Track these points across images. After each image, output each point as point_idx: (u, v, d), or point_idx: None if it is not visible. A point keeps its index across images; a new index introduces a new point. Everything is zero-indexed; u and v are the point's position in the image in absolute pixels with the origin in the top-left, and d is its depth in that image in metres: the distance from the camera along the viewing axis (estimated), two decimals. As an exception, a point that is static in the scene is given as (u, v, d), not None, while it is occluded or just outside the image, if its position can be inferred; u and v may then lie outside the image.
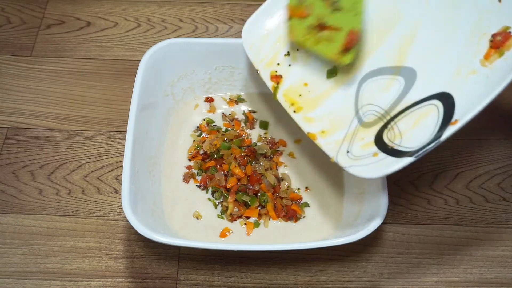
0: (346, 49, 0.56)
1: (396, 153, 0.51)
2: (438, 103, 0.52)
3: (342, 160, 0.53)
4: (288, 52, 0.62)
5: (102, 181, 0.67)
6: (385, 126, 0.54)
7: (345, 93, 0.59)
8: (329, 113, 0.58)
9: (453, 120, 0.49)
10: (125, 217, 0.53)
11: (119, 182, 0.67)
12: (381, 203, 0.55)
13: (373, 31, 0.59)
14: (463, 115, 0.49)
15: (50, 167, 0.68)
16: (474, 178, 0.68)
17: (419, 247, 0.63)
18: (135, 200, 0.56)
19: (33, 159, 0.69)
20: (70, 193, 0.66)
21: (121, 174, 0.57)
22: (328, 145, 0.55)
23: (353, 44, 0.55)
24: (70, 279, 0.60)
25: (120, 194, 0.58)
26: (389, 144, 0.53)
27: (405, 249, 0.63)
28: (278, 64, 0.62)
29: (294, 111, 0.59)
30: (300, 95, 0.60)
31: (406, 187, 0.67)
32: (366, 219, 0.56)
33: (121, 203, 0.54)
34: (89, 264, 0.61)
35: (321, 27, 0.57)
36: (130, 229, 0.63)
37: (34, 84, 0.76)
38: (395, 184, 0.67)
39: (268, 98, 0.72)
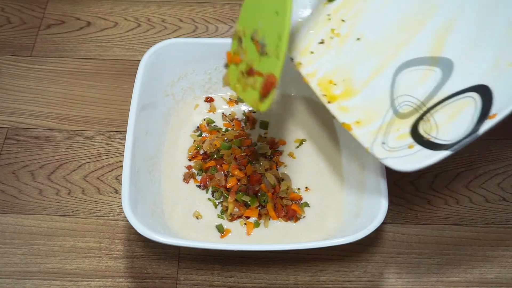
0: (263, 96, 0.53)
1: (432, 145, 0.50)
2: (475, 95, 0.51)
3: (378, 151, 0.52)
4: (322, 39, 0.60)
5: (102, 181, 0.67)
6: (421, 117, 0.53)
7: (381, 83, 0.57)
8: (364, 103, 0.57)
9: (491, 113, 0.49)
10: (125, 217, 0.53)
11: (119, 182, 0.67)
12: (381, 203, 0.55)
13: (409, 19, 0.58)
14: (501, 109, 0.48)
15: (50, 167, 0.68)
16: (474, 178, 0.68)
17: (419, 247, 0.63)
18: (135, 200, 0.56)
19: (33, 159, 0.69)
20: (70, 193, 0.66)
21: (121, 174, 0.57)
22: (363, 136, 0.54)
23: (268, 90, 0.52)
24: (70, 279, 0.60)
25: (120, 194, 0.58)
26: (425, 136, 0.52)
27: (405, 249, 0.63)
28: (312, 52, 0.60)
29: (329, 102, 0.57)
30: (335, 84, 0.58)
31: (406, 187, 0.67)
32: (366, 219, 0.56)
33: (121, 203, 0.54)
34: (89, 264, 0.61)
35: (249, 72, 0.55)
36: (130, 229, 0.63)
37: (34, 84, 0.76)
38: (395, 184, 0.67)
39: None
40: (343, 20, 0.61)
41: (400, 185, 0.67)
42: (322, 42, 0.60)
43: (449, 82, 0.54)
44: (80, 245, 0.62)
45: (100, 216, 0.65)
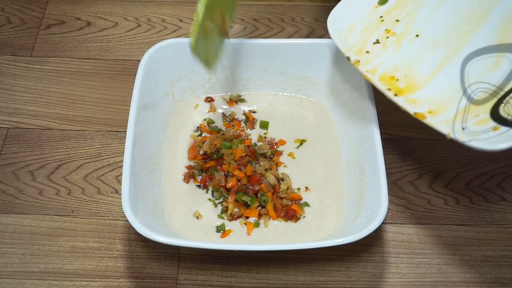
0: None
1: None
2: None
3: (460, 136, 0.52)
4: (377, 40, 0.61)
5: (102, 181, 0.67)
6: (500, 101, 0.54)
7: (448, 75, 0.58)
8: (433, 94, 0.57)
9: None
10: (125, 217, 0.53)
11: (119, 182, 0.67)
12: (381, 203, 0.55)
13: (470, 12, 0.60)
14: None
15: (50, 167, 0.68)
16: (474, 178, 0.68)
17: (419, 247, 0.63)
18: (135, 200, 0.56)
19: (33, 159, 0.69)
20: (70, 193, 0.66)
21: (121, 174, 0.57)
22: (440, 123, 0.54)
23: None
24: (70, 279, 0.60)
25: (120, 194, 0.58)
26: (509, 118, 0.52)
27: (405, 249, 0.63)
28: (368, 52, 0.61)
29: (395, 95, 0.57)
30: (397, 80, 0.59)
31: (406, 187, 0.67)
32: (366, 219, 0.56)
33: (121, 203, 0.54)
34: (89, 264, 0.61)
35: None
36: (130, 229, 0.63)
37: (34, 84, 0.76)
38: (395, 184, 0.67)
39: (268, 98, 0.72)
40: (397, 20, 0.62)
41: (400, 185, 0.67)
42: (377, 42, 0.61)
43: None
44: (80, 245, 0.62)
45: (100, 216, 0.65)
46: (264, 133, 0.70)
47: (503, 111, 0.53)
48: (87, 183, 0.67)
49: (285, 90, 0.72)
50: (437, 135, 0.71)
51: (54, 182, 0.67)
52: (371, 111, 0.62)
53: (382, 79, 0.59)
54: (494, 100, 0.55)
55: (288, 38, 0.81)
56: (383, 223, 0.56)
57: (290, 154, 0.68)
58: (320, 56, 0.68)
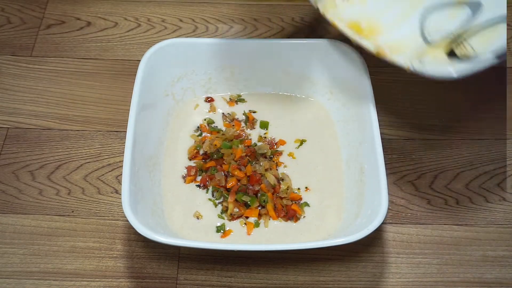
0: None
1: (475, 60, 0.55)
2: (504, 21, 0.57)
3: (417, 67, 0.56)
4: None
5: (102, 181, 0.67)
6: (456, 45, 0.58)
7: (408, 23, 0.63)
8: (394, 38, 0.62)
9: None
10: (125, 217, 0.53)
11: (119, 182, 0.67)
12: (381, 203, 0.55)
13: None
14: None
15: (50, 167, 0.68)
16: (474, 178, 0.68)
17: (419, 247, 0.63)
18: (135, 200, 0.56)
19: (33, 159, 0.69)
20: (70, 193, 0.66)
21: (121, 174, 0.57)
22: (398, 60, 0.58)
23: None
24: (70, 279, 0.60)
25: (120, 194, 0.58)
26: (464, 57, 0.56)
27: (405, 249, 0.63)
28: (335, 6, 0.64)
29: (359, 35, 0.61)
30: (362, 28, 0.63)
31: (406, 187, 0.67)
32: (366, 219, 0.56)
33: (121, 203, 0.54)
34: (89, 264, 0.61)
35: None
36: (130, 229, 0.63)
37: (34, 84, 0.76)
38: (395, 184, 0.67)
39: (268, 98, 0.72)
40: None
41: (400, 185, 0.67)
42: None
43: (479, 16, 0.60)
44: (80, 245, 0.62)
45: (100, 216, 0.65)
46: (264, 133, 0.70)
47: (458, 52, 0.57)
48: (87, 183, 0.67)
49: (285, 90, 0.72)
50: (437, 134, 0.71)
51: (54, 182, 0.67)
52: (371, 111, 0.61)
53: (348, 26, 0.62)
54: (451, 43, 0.59)
55: (288, 38, 0.81)
56: (383, 223, 0.56)
57: (290, 154, 0.68)
58: (320, 56, 0.68)
